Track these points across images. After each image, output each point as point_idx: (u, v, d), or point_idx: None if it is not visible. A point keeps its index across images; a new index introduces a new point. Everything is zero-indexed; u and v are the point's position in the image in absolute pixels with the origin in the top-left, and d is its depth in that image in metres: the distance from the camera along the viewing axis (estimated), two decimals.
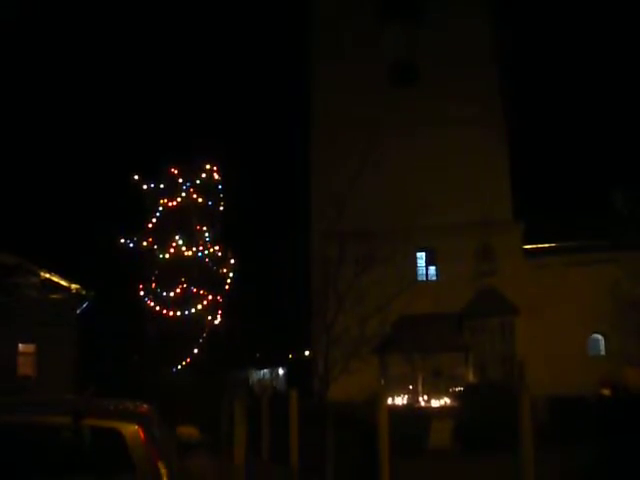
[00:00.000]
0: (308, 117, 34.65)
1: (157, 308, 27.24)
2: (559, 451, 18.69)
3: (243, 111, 54.49)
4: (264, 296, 29.11)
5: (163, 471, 9.98)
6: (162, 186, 28.43)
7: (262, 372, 42.67)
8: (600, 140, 43.45)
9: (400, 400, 28.42)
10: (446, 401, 27.57)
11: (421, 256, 33.86)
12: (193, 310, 27.25)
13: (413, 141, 32.72)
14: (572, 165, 40.80)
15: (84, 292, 28.24)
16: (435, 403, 27.73)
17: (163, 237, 27.95)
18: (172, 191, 28.58)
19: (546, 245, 33.69)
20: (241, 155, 38.75)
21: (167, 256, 27.59)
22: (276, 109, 52.22)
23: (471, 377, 29.47)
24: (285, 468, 19.50)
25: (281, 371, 43.38)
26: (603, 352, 33.02)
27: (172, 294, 27.28)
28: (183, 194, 28.45)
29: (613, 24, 54.81)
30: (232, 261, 28.96)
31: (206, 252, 28.42)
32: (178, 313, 26.95)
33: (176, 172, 28.64)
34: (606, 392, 16.56)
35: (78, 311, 28.51)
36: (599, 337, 33.32)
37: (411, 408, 27.35)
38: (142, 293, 27.42)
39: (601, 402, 16.49)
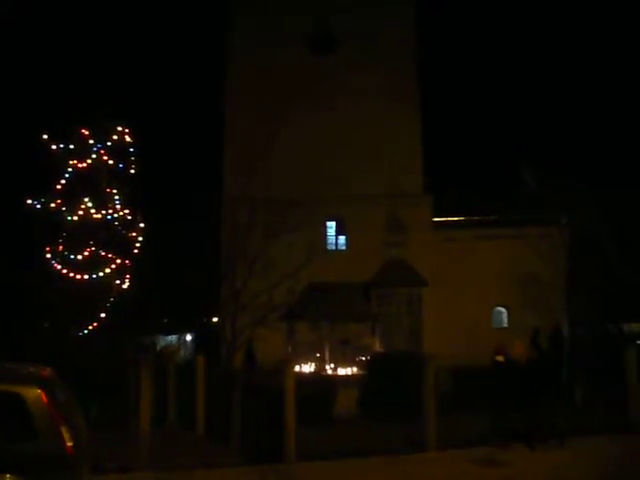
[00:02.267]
0: (223, 81, 34.36)
1: (64, 271, 26.73)
2: (461, 418, 19.24)
3: (157, 74, 53.70)
4: (173, 261, 28.83)
5: (67, 436, 9.86)
6: (72, 147, 27.79)
7: (170, 338, 42.41)
8: (510, 116, 44.23)
9: (307, 368, 28.63)
10: (353, 370, 27.89)
11: (331, 225, 34.10)
12: (101, 274, 26.81)
13: (328, 110, 32.77)
14: (483, 140, 41.44)
15: None
16: (342, 371, 28.02)
17: (72, 199, 27.35)
18: (82, 152, 27.95)
19: (455, 218, 34.28)
20: (154, 119, 38.21)
21: (75, 218, 27.01)
22: (191, 72, 51.54)
23: (378, 346, 29.86)
24: (191, 434, 19.55)
25: (189, 337, 43.21)
26: (506, 324, 33.91)
27: (80, 257, 26.76)
28: (94, 156, 27.84)
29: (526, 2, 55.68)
30: (142, 225, 28.57)
31: (115, 215, 27.92)
32: (86, 276, 26.48)
33: (87, 133, 28.00)
34: (500, 359, 17.11)
35: None
36: (502, 310, 34.19)
37: (318, 376, 27.59)
38: (49, 256, 26.85)
39: (494, 368, 17.05)
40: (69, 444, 9.77)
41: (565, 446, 16.35)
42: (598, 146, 28.88)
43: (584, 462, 15.16)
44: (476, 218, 34.22)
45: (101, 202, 27.81)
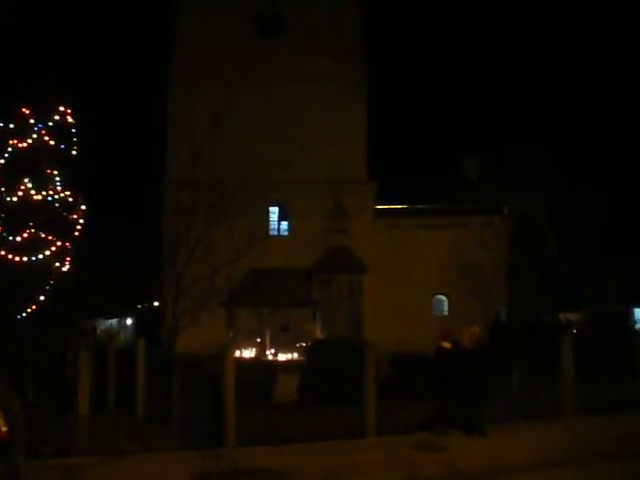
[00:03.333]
0: (169, 64, 34.08)
1: (2, 253, 26.30)
2: (400, 404, 19.43)
3: (101, 55, 53.06)
4: (114, 244, 28.58)
5: (1, 421, 9.77)
6: (12, 126, 27.30)
7: (110, 322, 42.04)
8: (455, 106, 44.65)
9: (248, 353, 28.60)
10: (293, 355, 27.95)
11: (274, 211, 34.18)
12: (41, 256, 26.43)
13: (274, 93, 32.78)
14: (427, 130, 41.77)
15: None
16: (282, 357, 28.05)
17: (11, 179, 26.89)
18: (22, 132, 27.47)
19: (398, 206, 34.55)
20: (98, 100, 37.71)
21: (15, 199, 26.55)
22: (138, 55, 51.03)
23: (319, 332, 29.96)
24: (131, 418, 19.44)
25: (129, 321, 42.87)
26: (446, 312, 34.32)
27: (19, 239, 26.33)
28: (34, 136, 27.38)
29: None
30: (83, 207, 28.22)
31: (56, 197, 27.52)
32: (25, 259, 26.08)
33: (27, 112, 27.53)
34: (446, 345, 17.25)
35: None
36: (443, 298, 34.59)
37: (258, 361, 27.59)
38: None
39: (440, 353, 17.19)
40: (3, 429, 9.69)
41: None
42: (540, 136, 29.23)
43: (521, 447, 15.43)
44: (419, 206, 34.53)
45: (41, 183, 27.35)
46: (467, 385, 16.69)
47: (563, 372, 19.59)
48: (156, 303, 36.41)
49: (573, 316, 34.60)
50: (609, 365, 24.26)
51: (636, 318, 37.83)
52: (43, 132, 27.68)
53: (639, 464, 14.48)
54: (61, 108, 27.97)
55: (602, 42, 47.89)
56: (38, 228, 27.05)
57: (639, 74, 43.48)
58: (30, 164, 27.37)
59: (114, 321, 41.93)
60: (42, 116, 27.74)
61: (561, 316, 33.52)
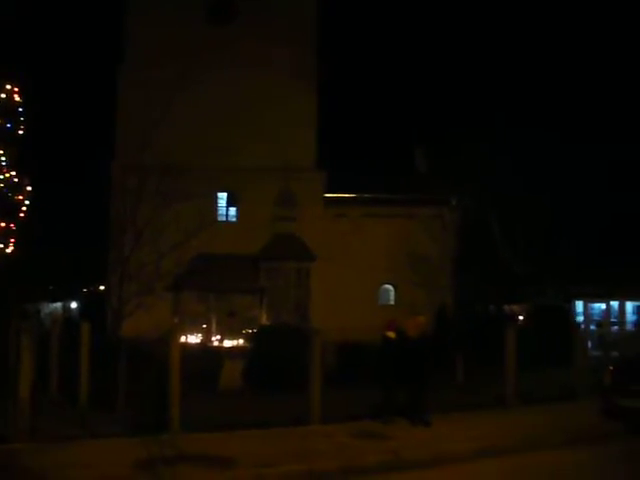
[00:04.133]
0: (119, 45, 33.73)
1: None
2: (345, 392, 19.56)
3: (52, 35, 52.25)
4: (60, 226, 28.27)
5: None
6: None
7: (55, 305, 41.60)
8: (405, 96, 44.75)
9: (194, 339, 28.55)
10: (239, 342, 27.94)
11: (222, 196, 34.12)
12: None
13: (224, 80, 32.64)
14: (377, 119, 41.82)
15: None
16: (228, 343, 28.04)
17: None
18: None
19: (346, 195, 34.67)
20: (46, 78, 37.19)
21: None
22: (86, 35, 50.36)
23: (265, 319, 29.98)
24: (74, 403, 19.27)
25: (74, 305, 42.45)
26: (392, 302, 34.56)
27: None
28: None
29: None
30: (29, 188, 27.85)
31: (1, 177, 27.13)
32: None
33: None
34: (391, 334, 17.38)
35: None
36: (390, 287, 34.83)
37: (204, 347, 27.54)
38: None
39: (386, 343, 17.32)
40: None
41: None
42: (491, 128, 29.50)
43: (465, 437, 15.65)
44: (367, 196, 34.67)
45: None
46: (411, 375, 16.86)
47: (507, 363, 19.88)
48: (102, 287, 36.07)
49: (517, 308, 35.16)
50: (550, 355, 24.72)
51: (578, 311, 38.61)
52: None
53: (577, 452, 14.84)
54: (8, 87, 27.55)
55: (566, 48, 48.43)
56: None
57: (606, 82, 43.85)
58: None
59: (58, 305, 41.50)
60: None
61: (506, 308, 34.02)
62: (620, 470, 13.90)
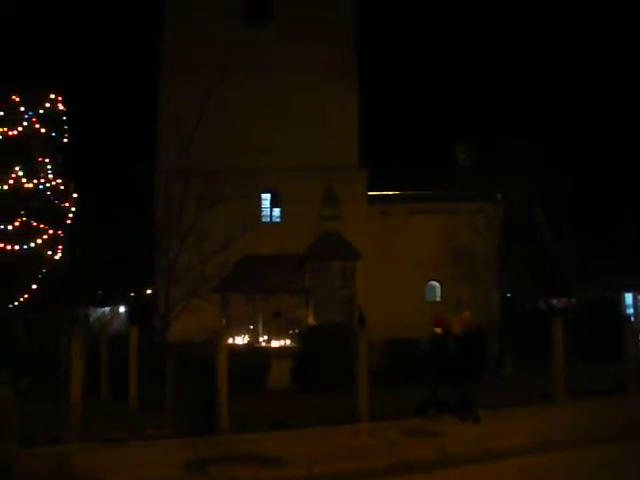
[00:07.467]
0: (159, 52, 33.96)
1: None
2: (393, 390, 19.50)
3: (93, 44, 52.83)
4: (106, 232, 28.51)
5: None
6: (2, 114, 27.22)
7: (103, 310, 41.98)
8: (447, 92, 44.56)
9: (241, 340, 28.64)
10: (286, 342, 27.97)
11: (266, 197, 34.14)
12: (32, 244, 26.42)
13: (264, 81, 32.70)
14: (420, 116, 41.69)
15: None
16: (275, 344, 28.08)
17: (2, 167, 26.82)
18: (13, 120, 27.40)
19: (390, 192, 34.55)
20: (89, 87, 37.62)
21: (6, 188, 26.54)
22: (127, 43, 50.80)
23: (311, 319, 29.98)
24: (124, 406, 19.46)
25: (122, 309, 42.82)
26: (439, 298, 34.34)
27: (10, 227, 26.31)
28: (25, 123, 27.32)
29: None
30: (75, 195, 28.20)
31: (47, 185, 27.52)
32: (17, 247, 26.06)
33: (18, 100, 27.44)
34: (439, 330, 17.27)
35: None
36: (436, 284, 34.59)
37: (251, 348, 27.61)
38: None
39: (433, 339, 17.22)
40: None
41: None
42: (535, 125, 29.33)
43: (513, 432, 15.51)
44: (411, 193, 34.51)
45: (33, 171, 27.35)
46: (457, 371, 16.75)
47: (554, 357, 19.64)
48: (149, 291, 36.37)
49: (565, 302, 34.74)
50: (599, 349, 24.40)
51: (627, 303, 38.06)
52: (34, 120, 27.66)
53: (627, 446, 14.60)
54: (52, 96, 27.95)
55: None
56: (30, 216, 27.07)
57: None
58: (21, 152, 27.33)
59: (107, 309, 41.89)
60: (33, 104, 27.70)
61: (554, 301, 33.65)
62: None
